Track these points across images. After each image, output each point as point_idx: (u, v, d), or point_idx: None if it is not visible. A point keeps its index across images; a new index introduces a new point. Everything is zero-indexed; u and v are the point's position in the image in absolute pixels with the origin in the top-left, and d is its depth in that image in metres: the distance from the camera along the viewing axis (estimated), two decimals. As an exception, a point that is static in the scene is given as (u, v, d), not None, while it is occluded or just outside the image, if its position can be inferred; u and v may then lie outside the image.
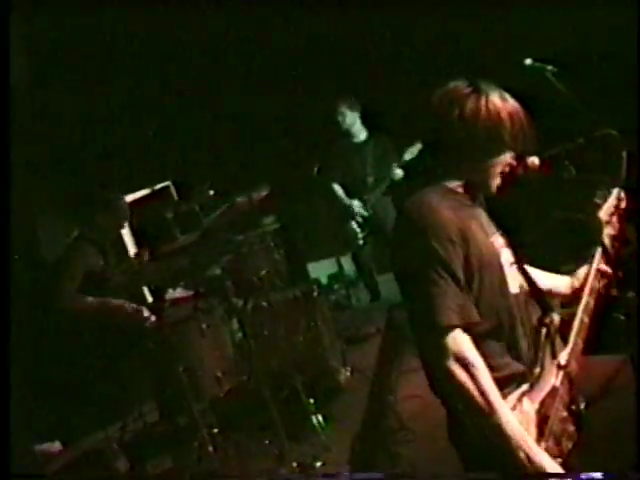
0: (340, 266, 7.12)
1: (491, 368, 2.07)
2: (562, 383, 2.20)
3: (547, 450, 2.07)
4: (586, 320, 2.29)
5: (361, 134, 6.47)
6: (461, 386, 2.01)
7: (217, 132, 7.12)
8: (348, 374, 4.99)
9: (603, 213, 2.45)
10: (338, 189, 6.50)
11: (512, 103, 2.21)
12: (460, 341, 2.04)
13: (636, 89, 4.44)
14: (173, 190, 7.22)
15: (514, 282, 2.24)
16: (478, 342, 2.08)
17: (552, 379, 2.20)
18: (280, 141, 7.08)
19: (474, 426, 2.04)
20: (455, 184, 2.25)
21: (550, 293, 2.52)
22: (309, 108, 6.71)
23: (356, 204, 6.37)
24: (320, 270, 7.44)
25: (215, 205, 4.78)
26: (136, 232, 6.85)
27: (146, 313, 4.80)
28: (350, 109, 6.35)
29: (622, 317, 2.56)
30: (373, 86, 6.42)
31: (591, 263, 2.38)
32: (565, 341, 2.26)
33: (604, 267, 2.37)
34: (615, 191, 2.48)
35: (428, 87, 2.29)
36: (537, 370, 2.18)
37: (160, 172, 6.94)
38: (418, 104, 2.37)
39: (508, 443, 1.99)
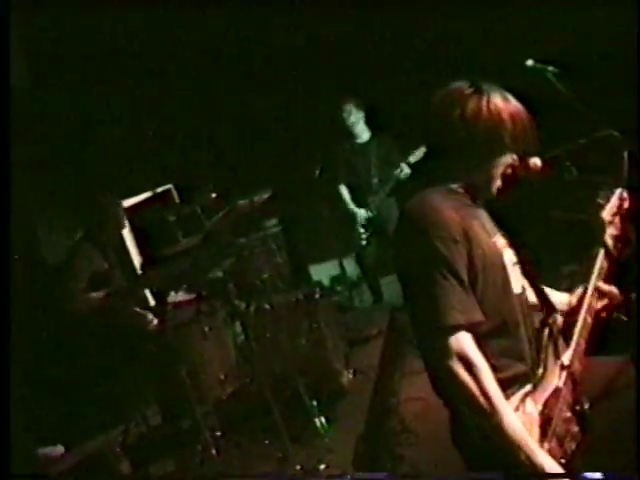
0: (342, 268, 7.11)
1: (494, 368, 2.07)
2: (565, 384, 2.19)
3: (550, 451, 2.07)
4: (589, 320, 2.29)
5: (364, 134, 6.47)
6: (463, 386, 2.01)
7: (218, 134, 7.12)
8: (351, 376, 4.99)
9: (606, 213, 2.45)
10: (344, 191, 6.51)
11: (514, 104, 2.21)
12: (463, 341, 2.03)
13: (636, 89, 4.44)
14: (175, 193, 7.22)
15: (516, 282, 2.23)
16: (481, 342, 2.08)
17: (555, 380, 2.19)
18: (282, 143, 7.07)
19: (476, 426, 2.04)
20: (456, 185, 2.24)
21: None
22: (310, 109, 6.72)
23: (359, 206, 6.37)
24: (322, 272, 7.43)
25: (217, 208, 4.78)
26: (138, 235, 6.85)
27: (149, 316, 4.80)
28: (356, 108, 6.35)
29: (624, 317, 2.56)
30: (375, 86, 6.41)
31: (592, 265, 2.37)
32: (568, 342, 2.26)
33: (603, 286, 2.35)
34: (618, 191, 2.48)
35: (429, 87, 2.29)
36: (540, 371, 2.18)
37: (162, 175, 6.93)
38: (419, 104, 2.37)
39: (509, 444, 1.98)
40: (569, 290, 2.51)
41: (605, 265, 2.37)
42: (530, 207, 5.15)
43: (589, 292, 2.33)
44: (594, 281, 2.35)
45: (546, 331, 2.22)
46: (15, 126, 3.41)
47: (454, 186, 2.24)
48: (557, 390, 2.18)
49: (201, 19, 6.34)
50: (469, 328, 2.05)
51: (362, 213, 6.37)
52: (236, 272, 4.99)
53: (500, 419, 1.99)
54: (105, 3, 5.80)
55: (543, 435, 2.10)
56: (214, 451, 4.34)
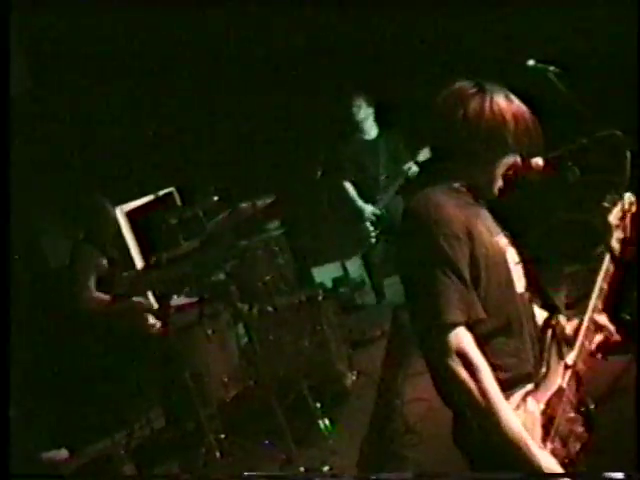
0: (345, 270, 7.11)
1: (498, 368, 2.07)
2: (569, 384, 2.19)
3: (554, 451, 2.07)
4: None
5: (372, 131, 6.46)
6: (462, 384, 2.00)
7: (219, 136, 7.12)
8: (354, 378, 4.99)
9: (613, 217, 2.44)
10: (349, 187, 6.50)
11: (518, 104, 2.20)
12: (462, 339, 2.03)
13: (636, 89, 4.44)
14: (177, 196, 7.22)
15: (519, 282, 2.23)
16: (485, 341, 2.08)
17: (558, 380, 2.19)
18: (284, 144, 7.07)
19: (477, 426, 2.03)
20: (459, 184, 2.24)
21: None
22: (312, 109, 6.72)
23: (367, 203, 6.36)
24: (325, 274, 7.43)
25: (219, 211, 4.79)
26: (140, 238, 6.86)
27: (153, 319, 4.81)
28: (366, 103, 6.34)
29: (628, 317, 2.55)
30: (377, 86, 6.40)
31: (598, 269, 2.37)
32: (572, 342, 2.26)
33: (601, 320, 2.34)
34: (626, 195, 2.48)
35: (430, 87, 2.29)
36: (543, 370, 2.18)
37: (164, 178, 6.94)
38: (422, 104, 2.37)
39: (508, 442, 1.98)
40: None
41: (611, 268, 2.37)
42: (532, 207, 5.16)
43: (594, 294, 2.33)
44: (600, 284, 2.34)
45: (549, 331, 2.22)
46: (15, 126, 3.41)
47: (457, 185, 2.23)
48: (560, 390, 2.17)
49: (201, 19, 6.35)
50: (470, 326, 2.05)
51: (369, 208, 6.35)
52: (239, 275, 5.00)
53: (498, 417, 1.98)
54: (105, 3, 5.81)
55: (545, 435, 2.10)
56: (218, 453, 4.35)
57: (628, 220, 2.39)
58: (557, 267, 4.98)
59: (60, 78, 6.02)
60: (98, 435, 5.16)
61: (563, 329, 2.26)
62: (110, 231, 5.05)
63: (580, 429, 2.18)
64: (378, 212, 6.30)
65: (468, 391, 2.00)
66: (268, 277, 5.19)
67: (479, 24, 5.83)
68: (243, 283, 5.06)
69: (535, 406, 2.12)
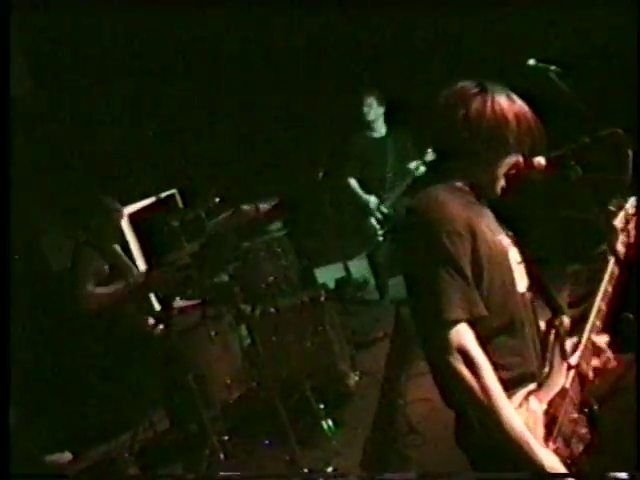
0: (347, 270, 7.11)
1: (501, 367, 2.07)
2: (572, 385, 2.19)
3: (556, 451, 2.07)
4: (598, 324, 2.29)
5: (381, 129, 6.45)
6: (463, 381, 2.01)
7: (220, 136, 7.12)
8: (357, 378, 4.98)
9: (618, 221, 2.45)
10: (355, 184, 6.48)
11: (520, 104, 2.21)
12: (463, 335, 2.03)
13: (636, 89, 4.44)
14: (179, 198, 7.22)
15: (521, 281, 2.23)
16: (488, 340, 2.08)
17: (562, 380, 2.19)
18: (286, 145, 7.07)
19: (479, 425, 2.03)
20: (462, 183, 2.25)
21: None
22: (313, 109, 6.72)
23: (374, 200, 6.34)
24: (327, 275, 7.42)
25: (221, 212, 4.79)
26: (142, 240, 6.86)
27: (155, 322, 4.81)
28: (378, 102, 6.33)
29: (631, 316, 2.56)
30: (378, 86, 6.40)
31: (603, 271, 2.37)
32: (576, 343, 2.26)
33: (599, 342, 2.34)
34: (631, 200, 2.48)
35: (434, 87, 2.30)
36: (546, 370, 2.18)
37: (165, 180, 6.94)
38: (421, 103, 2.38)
39: (508, 440, 1.98)
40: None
41: (616, 271, 2.37)
42: (535, 206, 5.16)
43: (599, 293, 2.33)
44: (605, 286, 2.35)
45: (552, 332, 2.23)
46: (15, 126, 3.41)
47: (460, 184, 2.24)
48: (563, 390, 2.18)
49: (201, 19, 6.35)
50: (472, 323, 2.05)
51: (376, 205, 6.33)
52: (241, 276, 5.00)
53: (499, 415, 1.98)
54: (105, 3, 5.82)
55: (548, 434, 2.10)
56: (222, 455, 4.35)
57: (632, 225, 2.40)
58: (559, 266, 4.98)
59: (60, 78, 6.02)
60: (101, 438, 5.17)
61: (566, 330, 2.27)
62: (114, 232, 5.04)
63: (583, 430, 2.18)
64: (385, 211, 6.28)
65: (469, 388, 2.00)
66: (271, 278, 5.19)
67: (479, 24, 5.84)
68: (246, 285, 5.06)
69: (538, 405, 2.12)
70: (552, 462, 2.01)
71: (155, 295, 5.69)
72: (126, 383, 4.75)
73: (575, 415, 2.17)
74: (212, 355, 4.68)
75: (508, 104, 2.18)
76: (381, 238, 6.29)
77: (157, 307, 5.70)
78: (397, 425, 4.47)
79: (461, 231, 2.08)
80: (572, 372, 2.21)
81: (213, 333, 4.68)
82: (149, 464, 4.68)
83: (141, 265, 6.69)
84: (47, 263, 5.89)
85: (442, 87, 2.26)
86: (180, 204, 7.17)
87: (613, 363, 2.32)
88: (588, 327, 2.28)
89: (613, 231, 2.40)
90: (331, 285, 7.19)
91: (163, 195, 6.76)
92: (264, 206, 4.72)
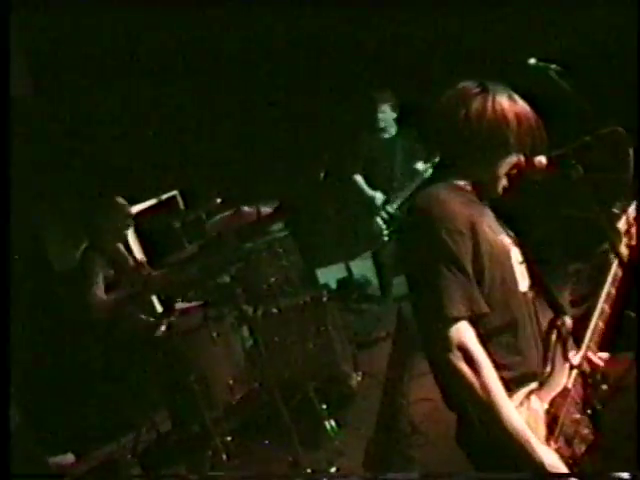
0: (349, 271, 7.11)
1: (503, 366, 2.07)
2: (574, 385, 2.19)
3: (558, 451, 2.07)
4: (601, 325, 2.29)
5: (391, 130, 6.45)
6: (463, 378, 2.01)
7: (221, 137, 7.12)
8: (360, 379, 4.99)
9: (622, 224, 2.45)
10: (360, 180, 6.48)
11: (521, 104, 2.21)
12: (464, 333, 2.03)
13: (636, 88, 4.44)
14: (180, 200, 7.23)
15: (523, 281, 2.24)
16: (489, 339, 2.08)
17: (563, 380, 2.19)
18: (287, 144, 7.07)
19: (477, 420, 2.03)
20: (464, 182, 2.25)
21: None
22: (314, 110, 6.72)
23: (380, 197, 6.33)
24: (329, 275, 7.42)
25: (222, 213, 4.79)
26: (144, 242, 6.86)
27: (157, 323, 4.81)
28: (392, 109, 6.32)
29: (633, 315, 2.56)
30: (379, 85, 6.40)
31: (606, 273, 2.37)
32: (578, 343, 2.26)
33: (595, 359, 2.34)
34: (635, 203, 2.48)
35: (431, 87, 2.30)
36: (547, 369, 2.18)
37: (167, 182, 6.94)
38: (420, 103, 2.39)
39: (509, 438, 1.98)
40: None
41: (619, 273, 2.37)
42: (536, 206, 5.16)
43: (602, 295, 2.33)
44: (608, 288, 2.35)
45: (554, 332, 2.23)
46: (15, 127, 3.41)
47: (461, 183, 2.24)
48: (565, 390, 2.18)
49: (201, 19, 6.35)
50: (473, 321, 2.06)
51: (382, 205, 6.33)
52: (243, 277, 5.00)
53: (500, 413, 1.98)
54: (105, 3, 5.82)
55: (550, 434, 2.10)
56: (224, 456, 4.35)
57: (634, 227, 2.41)
58: (561, 265, 4.98)
59: (60, 78, 6.02)
60: (104, 439, 5.17)
61: (568, 330, 2.27)
62: (119, 233, 5.02)
63: (586, 431, 2.18)
64: (391, 210, 6.28)
65: (469, 386, 2.00)
66: (273, 279, 5.19)
67: (479, 24, 5.84)
68: (248, 285, 5.06)
69: (539, 405, 2.12)
70: (552, 460, 2.01)
71: (157, 296, 5.70)
72: (128, 384, 4.74)
73: (577, 415, 2.17)
74: (214, 356, 4.68)
75: (509, 104, 2.18)
76: (386, 238, 6.28)
77: (159, 308, 5.71)
78: (400, 425, 4.47)
79: (462, 229, 2.08)
80: (574, 372, 2.21)
81: (215, 334, 4.68)
82: (152, 465, 4.68)
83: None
84: (47, 263, 5.89)
85: (443, 87, 2.26)
86: (181, 205, 7.17)
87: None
88: (591, 328, 2.28)
89: (617, 234, 2.40)
90: (333, 285, 7.20)
91: (164, 197, 6.77)
92: (265, 209, 4.72)
